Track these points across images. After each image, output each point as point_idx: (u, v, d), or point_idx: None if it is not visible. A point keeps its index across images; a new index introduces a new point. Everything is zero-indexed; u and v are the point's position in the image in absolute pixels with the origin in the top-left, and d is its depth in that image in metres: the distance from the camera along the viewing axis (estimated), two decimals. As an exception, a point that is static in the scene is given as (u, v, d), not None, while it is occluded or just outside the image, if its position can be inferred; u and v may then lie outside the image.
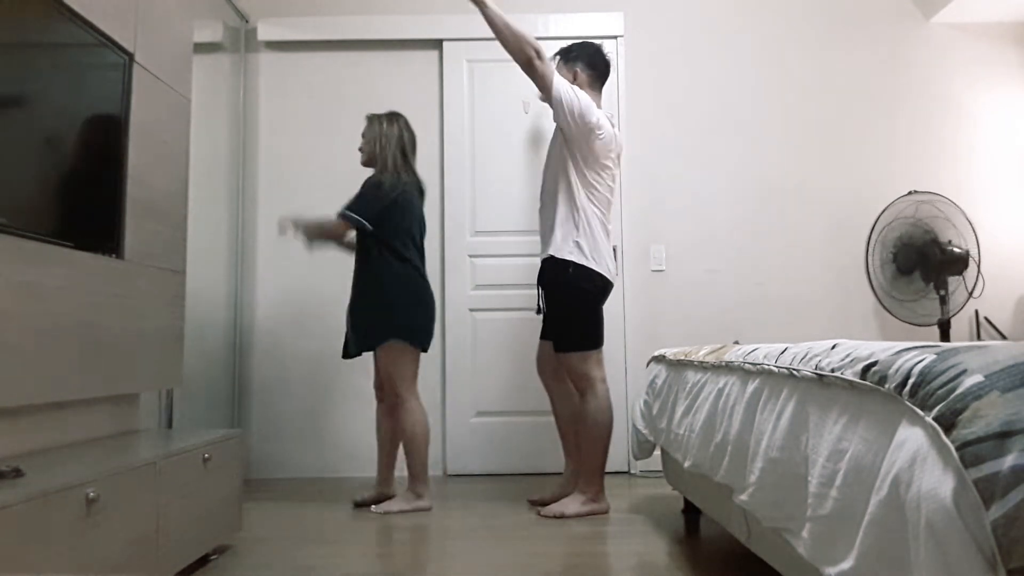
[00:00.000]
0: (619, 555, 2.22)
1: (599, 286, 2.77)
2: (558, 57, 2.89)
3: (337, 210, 2.86)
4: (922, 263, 3.44)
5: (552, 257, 2.75)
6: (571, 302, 2.76)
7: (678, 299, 3.73)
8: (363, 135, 3.00)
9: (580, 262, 2.72)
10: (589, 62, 2.84)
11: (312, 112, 3.82)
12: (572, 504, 2.70)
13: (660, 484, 3.22)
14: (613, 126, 2.84)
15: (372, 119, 3.00)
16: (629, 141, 3.78)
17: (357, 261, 2.95)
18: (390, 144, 2.93)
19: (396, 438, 2.97)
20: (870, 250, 3.54)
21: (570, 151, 2.75)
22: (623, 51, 3.80)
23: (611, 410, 2.78)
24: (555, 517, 2.65)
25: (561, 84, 2.68)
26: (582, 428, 2.79)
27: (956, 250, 3.39)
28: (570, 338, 2.77)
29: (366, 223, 2.82)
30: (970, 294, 3.42)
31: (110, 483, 1.59)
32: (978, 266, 3.41)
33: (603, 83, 2.91)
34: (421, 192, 3.03)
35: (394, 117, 3.00)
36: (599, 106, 2.83)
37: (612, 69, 3.76)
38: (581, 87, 2.77)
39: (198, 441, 2.09)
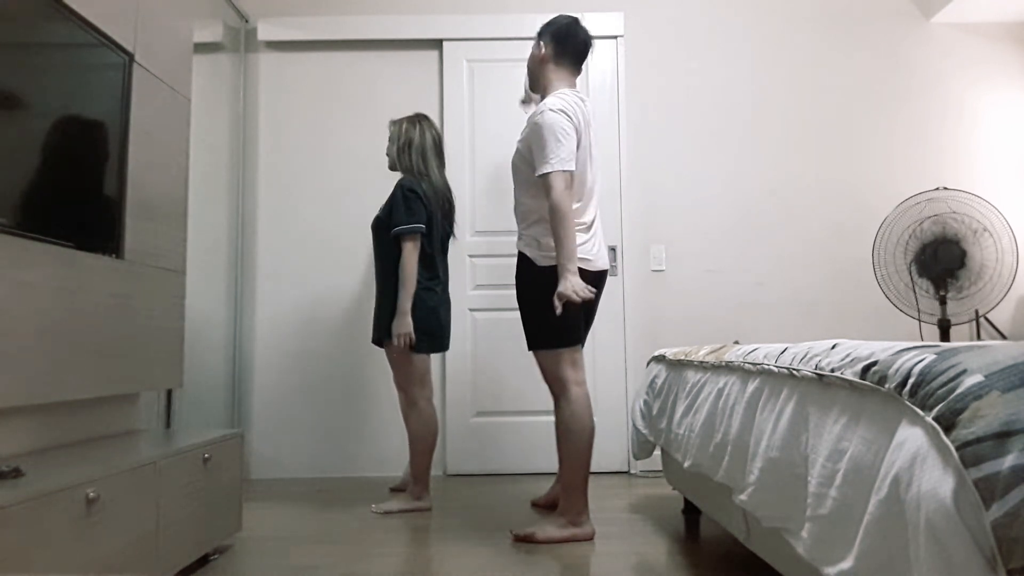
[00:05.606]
0: (619, 555, 2.22)
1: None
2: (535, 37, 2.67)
3: (399, 228, 2.80)
4: (954, 260, 3.41)
5: (519, 252, 2.55)
6: (535, 295, 2.46)
7: (678, 299, 3.73)
8: (389, 139, 2.99)
9: (539, 255, 2.46)
10: (554, 37, 2.57)
11: (312, 112, 3.82)
12: (548, 528, 2.39)
13: (660, 484, 3.22)
14: (583, 100, 2.55)
15: (396, 122, 2.99)
16: (629, 141, 3.78)
17: (376, 257, 2.95)
18: (409, 148, 2.90)
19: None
20: (892, 245, 3.50)
21: (531, 157, 2.48)
22: (623, 51, 3.80)
23: (590, 418, 2.45)
24: (524, 539, 2.36)
25: (555, 170, 2.36)
26: (558, 439, 2.49)
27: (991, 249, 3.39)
28: (538, 334, 2.48)
29: (422, 227, 2.80)
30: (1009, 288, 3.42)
31: (110, 483, 1.59)
32: (1015, 262, 3.40)
33: (576, 61, 2.61)
34: (448, 203, 2.98)
35: (417, 119, 2.98)
36: (572, 85, 2.58)
37: (612, 70, 3.79)
38: (546, 62, 2.58)
39: (198, 441, 2.09)
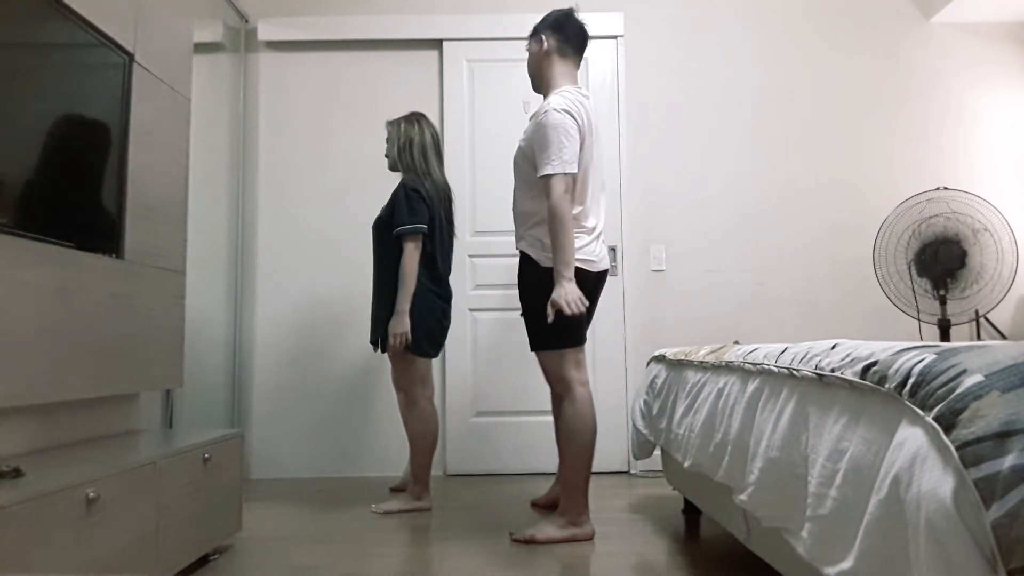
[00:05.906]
0: (619, 555, 2.22)
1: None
2: (529, 38, 2.63)
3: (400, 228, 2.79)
4: (954, 260, 3.40)
5: (522, 251, 2.54)
6: (538, 296, 2.40)
7: (678, 299, 3.73)
8: (387, 140, 2.99)
9: (543, 255, 2.44)
10: (554, 27, 2.54)
11: (312, 112, 3.82)
12: (548, 528, 2.38)
13: (660, 484, 3.22)
14: (586, 97, 2.51)
15: (393, 122, 2.99)
16: (629, 141, 3.78)
17: (377, 258, 2.93)
18: (410, 146, 2.90)
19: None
20: (892, 245, 3.50)
21: (534, 156, 2.47)
22: (623, 51, 3.80)
23: (593, 419, 2.44)
24: (525, 542, 2.35)
25: (556, 172, 2.35)
26: (561, 439, 2.50)
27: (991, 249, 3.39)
28: (542, 334, 2.45)
29: (423, 227, 2.80)
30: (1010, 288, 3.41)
31: (110, 483, 1.59)
32: (1016, 262, 3.40)
33: (578, 49, 2.58)
34: (448, 200, 2.98)
35: (415, 117, 2.98)
36: (575, 80, 2.56)
37: (612, 70, 3.79)
38: (549, 55, 2.54)
39: (198, 441, 2.09)
